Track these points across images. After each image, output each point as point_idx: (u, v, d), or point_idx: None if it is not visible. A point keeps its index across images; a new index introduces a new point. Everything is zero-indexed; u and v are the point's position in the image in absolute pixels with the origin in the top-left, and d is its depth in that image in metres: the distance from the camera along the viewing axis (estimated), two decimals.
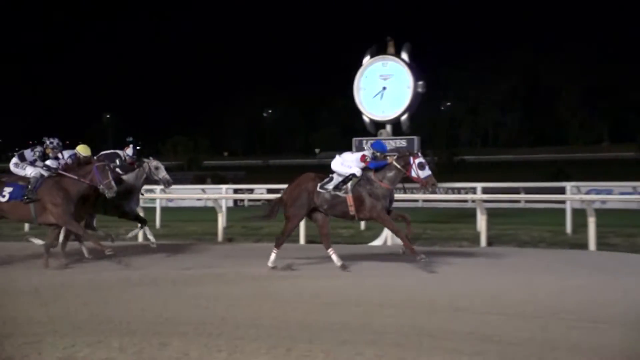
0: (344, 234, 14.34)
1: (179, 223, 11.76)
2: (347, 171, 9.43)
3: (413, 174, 9.27)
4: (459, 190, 23.49)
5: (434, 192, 9.71)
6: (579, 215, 13.95)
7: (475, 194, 16.36)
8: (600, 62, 57.64)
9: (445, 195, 22.70)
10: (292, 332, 5.76)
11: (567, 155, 49.89)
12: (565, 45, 58.25)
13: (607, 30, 58.01)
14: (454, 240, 13.13)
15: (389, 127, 13.38)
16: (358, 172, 9.38)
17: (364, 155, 9.49)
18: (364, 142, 13.49)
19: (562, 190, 17.11)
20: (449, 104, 64.87)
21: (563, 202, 15.74)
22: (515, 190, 19.65)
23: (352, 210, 9.38)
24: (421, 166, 9.24)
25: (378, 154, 9.61)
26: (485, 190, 16.70)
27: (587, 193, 17.98)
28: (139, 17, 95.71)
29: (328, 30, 68.13)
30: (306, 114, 77.29)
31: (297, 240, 13.21)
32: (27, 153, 10.15)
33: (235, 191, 16.45)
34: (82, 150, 10.50)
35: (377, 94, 13.22)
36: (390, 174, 9.35)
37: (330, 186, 9.42)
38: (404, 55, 12.95)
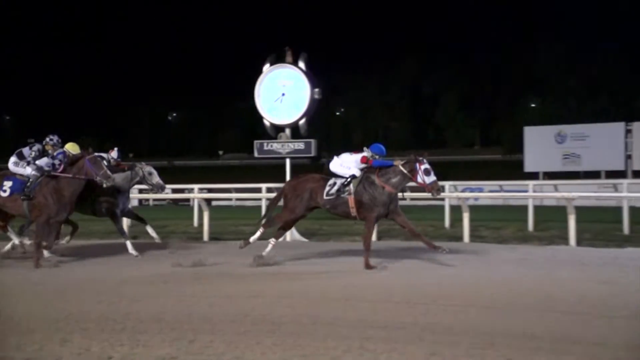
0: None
1: (82, 222, 11.23)
2: (346, 172, 9.12)
3: (419, 180, 8.96)
4: None
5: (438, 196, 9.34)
6: (456, 211, 14.45)
7: None
8: (473, 74, 60.15)
9: None
10: (195, 325, 5.62)
11: (445, 157, 51.59)
12: (442, 58, 60.46)
13: (478, 45, 60.77)
14: (348, 235, 13.24)
15: (288, 131, 13.39)
16: (357, 173, 9.07)
17: (365, 157, 9.14)
18: (265, 144, 13.46)
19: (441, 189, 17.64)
20: (342, 109, 65.84)
21: (442, 199, 16.19)
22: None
23: (353, 211, 9.04)
24: (427, 172, 8.95)
25: (377, 156, 9.21)
26: None
27: (462, 191, 18.63)
28: (40, 14, 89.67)
29: (231, 37, 67.37)
30: (210, 117, 76.20)
31: (201, 237, 13.00)
32: (25, 151, 9.64)
33: (140, 191, 15.92)
34: (71, 147, 9.94)
35: (276, 100, 13.18)
36: (395, 179, 9.00)
37: (333, 190, 9.09)
38: (302, 64, 13.00)
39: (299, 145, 13.26)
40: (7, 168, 9.69)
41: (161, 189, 10.71)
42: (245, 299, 6.71)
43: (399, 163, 9.07)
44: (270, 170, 20.10)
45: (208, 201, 14.89)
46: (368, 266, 8.66)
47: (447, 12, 64.54)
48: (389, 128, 66.07)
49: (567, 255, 9.99)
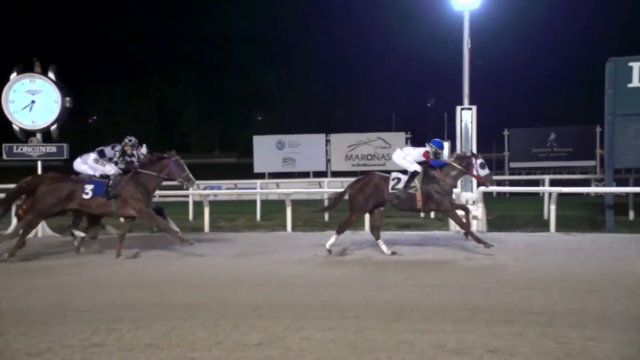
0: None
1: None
2: (409, 166, 8.46)
3: (475, 173, 8.51)
4: None
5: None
6: (198, 205, 14.42)
7: None
8: (213, 90, 60.84)
9: None
10: None
11: (190, 160, 51.12)
12: (185, 75, 60.22)
13: (216, 67, 61.28)
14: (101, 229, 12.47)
15: (39, 135, 12.10)
16: (419, 169, 8.43)
17: (427, 152, 8.50)
18: (15, 147, 12.06)
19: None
20: (95, 117, 62.06)
21: (187, 196, 16.08)
22: None
23: (419, 204, 8.42)
24: (482, 166, 8.51)
25: (439, 150, 8.65)
26: None
27: (204, 189, 18.69)
28: None
29: None
30: None
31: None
32: (108, 151, 8.82)
33: None
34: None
35: (26, 107, 11.85)
36: (454, 173, 8.49)
37: (400, 186, 8.37)
38: (51, 75, 11.86)
39: (51, 148, 12.12)
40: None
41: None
42: (23, 291, 5.96)
43: (450, 160, 8.67)
44: (22, 171, 17.90)
45: None
46: (478, 240, 8.15)
47: (188, 38, 63.96)
48: (139, 134, 63.91)
49: (285, 239, 10.51)
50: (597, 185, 17.50)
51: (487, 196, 11.97)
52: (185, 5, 63.85)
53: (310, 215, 14.06)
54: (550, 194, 11.67)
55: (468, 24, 11.79)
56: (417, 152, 8.61)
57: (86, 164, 8.89)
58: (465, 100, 11.89)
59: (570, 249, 8.45)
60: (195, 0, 62.40)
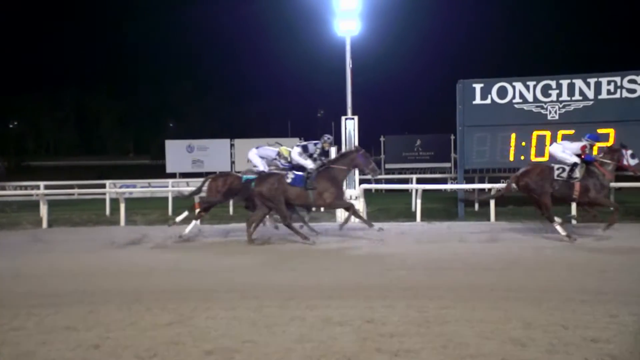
0: None
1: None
2: (567, 158, 7.94)
3: (625, 162, 7.86)
4: (26, 187, 20.35)
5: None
6: (115, 202, 13.67)
7: (39, 190, 15.27)
8: (128, 100, 57.91)
9: (14, 192, 19.62)
10: None
11: (107, 162, 48.64)
12: (102, 86, 56.86)
13: (130, 80, 58.29)
14: (20, 224, 11.46)
15: None
16: (577, 160, 7.89)
17: (584, 146, 7.97)
18: None
19: (104, 186, 17.13)
20: (16, 122, 56.95)
21: (104, 193, 15.22)
22: (71, 187, 18.62)
23: (576, 194, 7.85)
24: (633, 156, 7.91)
25: (596, 144, 8.20)
26: (47, 187, 16.33)
27: (120, 187, 17.75)
28: None
29: None
30: None
31: None
32: (310, 147, 8.70)
33: None
34: (284, 151, 8.93)
35: None
36: (610, 167, 7.91)
37: (564, 174, 7.87)
38: None
39: None
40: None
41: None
42: None
43: (600, 157, 8.06)
44: None
45: None
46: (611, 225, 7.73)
47: (104, 51, 60.40)
48: (60, 138, 59.78)
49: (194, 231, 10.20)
50: (452, 183, 18.68)
51: (367, 192, 12.39)
52: (100, 19, 60.49)
53: (213, 210, 13.70)
54: (416, 190, 12.30)
55: (349, 47, 12.15)
56: (575, 146, 8.16)
57: (260, 157, 8.96)
58: (349, 111, 12.24)
59: (431, 235, 8.94)
60: (109, 15, 59.09)
